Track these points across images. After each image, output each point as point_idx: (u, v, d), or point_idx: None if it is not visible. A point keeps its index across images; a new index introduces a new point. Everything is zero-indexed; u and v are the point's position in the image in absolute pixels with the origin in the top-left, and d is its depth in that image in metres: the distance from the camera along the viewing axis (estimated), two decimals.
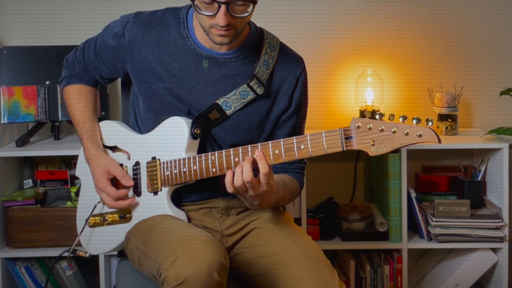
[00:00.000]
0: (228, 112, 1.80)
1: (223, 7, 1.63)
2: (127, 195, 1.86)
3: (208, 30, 1.71)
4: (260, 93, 1.80)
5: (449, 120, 2.78)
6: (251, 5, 1.66)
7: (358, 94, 2.90)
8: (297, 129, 1.90)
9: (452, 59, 2.99)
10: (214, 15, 1.65)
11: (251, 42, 1.82)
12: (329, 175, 2.96)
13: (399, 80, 3.00)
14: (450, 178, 2.86)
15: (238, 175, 1.61)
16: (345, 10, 2.98)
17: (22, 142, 2.68)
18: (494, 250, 2.70)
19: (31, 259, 2.74)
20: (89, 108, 1.97)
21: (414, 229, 2.75)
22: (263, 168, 1.61)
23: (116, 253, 2.04)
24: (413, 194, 2.70)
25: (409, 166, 2.71)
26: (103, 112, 2.74)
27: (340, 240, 2.74)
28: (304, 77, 1.87)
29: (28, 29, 2.96)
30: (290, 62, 1.85)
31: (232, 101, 1.80)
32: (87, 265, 2.83)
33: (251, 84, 1.79)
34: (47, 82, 2.73)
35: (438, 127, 2.78)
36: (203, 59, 1.80)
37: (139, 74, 1.85)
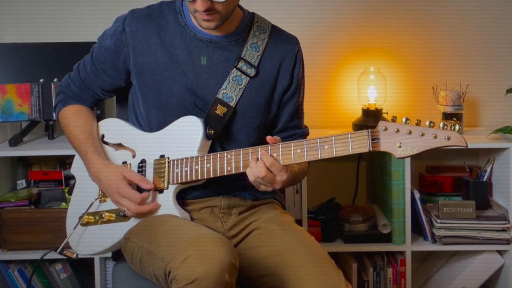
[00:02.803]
0: (232, 104, 1.84)
1: None
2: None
3: (194, 14, 1.78)
4: (252, 74, 1.85)
5: (454, 119, 2.74)
6: None
7: (361, 92, 2.89)
8: (299, 108, 1.96)
9: (457, 57, 2.99)
10: (195, 1, 1.71)
11: (246, 25, 1.88)
12: (330, 175, 2.96)
13: (403, 78, 2.99)
14: (455, 179, 2.85)
15: (250, 173, 1.71)
16: (347, 6, 2.97)
17: (15, 141, 2.68)
18: (500, 252, 2.70)
19: (24, 262, 2.74)
20: (89, 125, 1.95)
21: (418, 231, 2.75)
22: (266, 161, 1.69)
23: (110, 254, 2.03)
24: (417, 195, 2.70)
25: (413, 166, 2.71)
26: (99, 111, 2.74)
27: (342, 242, 2.74)
28: (301, 55, 1.94)
29: (22, 25, 2.95)
30: (285, 42, 1.91)
31: (230, 90, 1.84)
32: (82, 268, 2.83)
33: (238, 66, 1.84)
34: (41, 80, 2.73)
35: None
36: (201, 56, 1.84)
37: (143, 67, 1.86)
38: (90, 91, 1.97)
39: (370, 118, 2.79)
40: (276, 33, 1.92)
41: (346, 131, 2.89)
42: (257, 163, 1.70)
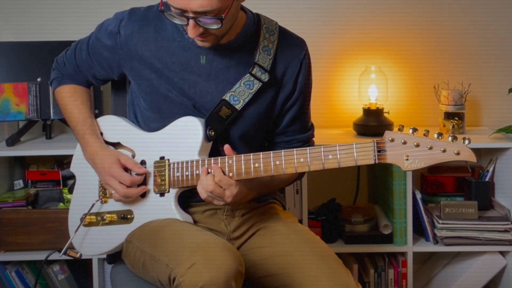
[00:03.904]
0: (238, 107, 1.80)
1: (191, 20, 1.65)
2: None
3: None
4: (266, 80, 1.80)
5: (456, 118, 2.78)
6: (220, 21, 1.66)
7: (362, 91, 2.89)
8: (302, 113, 1.91)
9: (459, 55, 2.99)
10: (187, 25, 1.67)
11: (250, 30, 1.82)
12: (331, 175, 2.96)
13: (404, 77, 2.99)
14: (457, 179, 2.85)
15: (199, 187, 1.72)
16: (348, 3, 2.97)
17: (12, 141, 2.68)
18: (503, 253, 2.70)
19: (22, 263, 2.74)
20: (86, 105, 1.97)
21: (419, 231, 2.75)
22: (216, 176, 1.69)
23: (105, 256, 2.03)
24: (419, 195, 2.70)
25: None
26: (97, 110, 2.74)
27: (342, 243, 2.74)
28: (307, 60, 1.87)
29: (19, 24, 2.95)
30: (292, 46, 1.86)
31: (239, 94, 1.79)
32: (80, 269, 2.82)
33: (253, 72, 1.79)
34: (39, 79, 2.72)
35: (444, 126, 2.78)
36: (200, 56, 1.81)
37: (138, 71, 1.85)
38: (84, 76, 1.98)
39: (371, 118, 2.79)
40: (284, 35, 1.86)
41: (347, 131, 2.90)
42: (207, 176, 1.70)
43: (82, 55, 1.94)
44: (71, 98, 1.97)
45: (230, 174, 1.71)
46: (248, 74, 1.79)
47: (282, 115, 1.89)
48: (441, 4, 2.98)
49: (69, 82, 1.99)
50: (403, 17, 2.98)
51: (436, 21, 2.98)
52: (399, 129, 1.59)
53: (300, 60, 1.85)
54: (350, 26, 2.98)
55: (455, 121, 2.76)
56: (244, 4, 1.81)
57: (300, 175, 1.98)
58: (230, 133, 1.83)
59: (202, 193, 1.71)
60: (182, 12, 1.64)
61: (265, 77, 1.80)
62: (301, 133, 1.93)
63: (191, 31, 1.66)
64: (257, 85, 1.79)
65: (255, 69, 1.79)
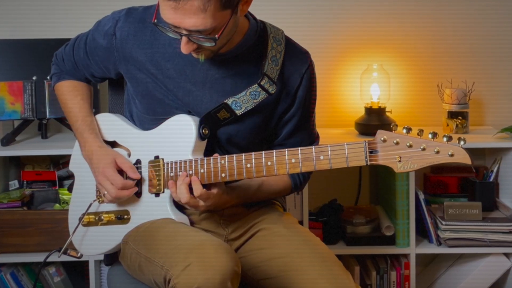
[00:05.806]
0: (239, 112, 1.77)
1: (184, 37, 1.63)
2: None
3: None
4: (273, 92, 1.77)
5: (460, 117, 2.78)
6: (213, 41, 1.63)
7: (363, 90, 2.89)
8: (303, 126, 1.88)
9: (462, 53, 2.99)
10: (181, 39, 1.65)
11: (251, 39, 1.79)
12: (332, 175, 2.96)
13: (407, 75, 2.99)
14: (461, 179, 2.86)
15: (177, 196, 1.73)
16: (349, 0, 2.97)
17: (7, 141, 2.68)
18: (507, 255, 2.70)
19: (17, 265, 2.74)
20: (87, 102, 1.97)
21: (422, 233, 2.75)
22: (195, 190, 1.70)
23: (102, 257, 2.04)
24: (422, 196, 2.70)
25: None
26: (94, 109, 2.73)
27: (344, 244, 2.74)
28: (310, 73, 1.84)
29: (14, 21, 2.95)
30: (295, 59, 1.83)
31: (242, 102, 1.77)
32: (77, 271, 2.82)
33: (262, 83, 1.76)
34: (34, 78, 2.72)
35: (448, 125, 2.78)
36: (198, 59, 1.78)
37: (134, 74, 1.84)
38: (82, 73, 1.98)
39: (373, 117, 2.79)
40: (290, 46, 1.83)
41: (348, 130, 2.90)
42: (181, 187, 1.70)
43: (80, 53, 1.94)
44: (71, 94, 1.97)
45: (223, 175, 1.70)
46: (256, 85, 1.76)
47: (281, 127, 1.87)
48: (444, 1, 2.98)
49: (68, 78, 1.99)
50: (405, 14, 2.98)
51: (439, 19, 2.98)
52: (392, 127, 1.56)
53: (301, 75, 1.82)
54: (351, 23, 2.98)
55: (459, 121, 2.76)
56: None
57: (294, 188, 1.96)
58: (224, 136, 1.82)
59: (177, 199, 1.74)
60: (175, 28, 1.62)
61: (272, 89, 1.77)
62: (302, 145, 1.90)
63: (184, 48, 1.64)
64: (262, 96, 1.77)
65: (264, 80, 1.76)
